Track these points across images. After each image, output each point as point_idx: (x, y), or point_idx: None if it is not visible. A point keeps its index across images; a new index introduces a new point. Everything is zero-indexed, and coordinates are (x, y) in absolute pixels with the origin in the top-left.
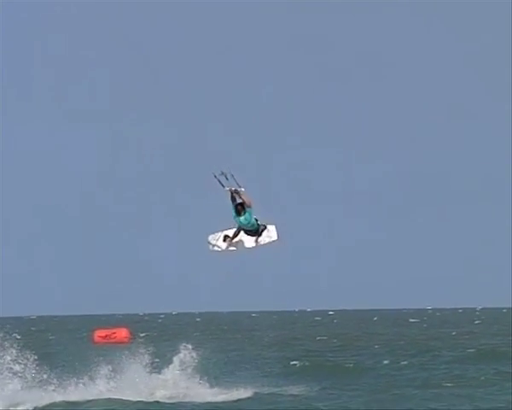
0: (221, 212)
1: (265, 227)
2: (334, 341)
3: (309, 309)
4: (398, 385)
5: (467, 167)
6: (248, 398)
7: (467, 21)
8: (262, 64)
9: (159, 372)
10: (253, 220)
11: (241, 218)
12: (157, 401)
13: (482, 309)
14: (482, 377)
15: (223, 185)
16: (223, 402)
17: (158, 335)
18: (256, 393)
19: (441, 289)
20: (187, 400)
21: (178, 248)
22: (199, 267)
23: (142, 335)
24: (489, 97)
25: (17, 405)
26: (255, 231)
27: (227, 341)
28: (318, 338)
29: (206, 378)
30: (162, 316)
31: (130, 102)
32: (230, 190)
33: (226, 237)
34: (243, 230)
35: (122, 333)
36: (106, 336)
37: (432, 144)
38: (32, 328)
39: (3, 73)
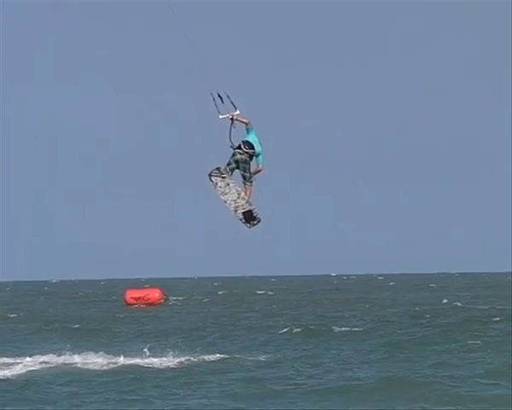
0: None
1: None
2: (337, 306)
3: (333, 273)
4: (381, 350)
5: (475, 141)
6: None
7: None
8: None
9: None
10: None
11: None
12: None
13: None
14: (472, 343)
15: (219, 112)
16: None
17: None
18: (232, 358)
19: (471, 254)
20: (168, 364)
21: (204, 216)
22: (222, 234)
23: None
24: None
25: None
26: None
27: (223, 306)
28: (324, 303)
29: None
30: (186, 280)
31: None
32: (230, 117)
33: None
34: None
35: (155, 294)
36: (139, 298)
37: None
38: (47, 289)
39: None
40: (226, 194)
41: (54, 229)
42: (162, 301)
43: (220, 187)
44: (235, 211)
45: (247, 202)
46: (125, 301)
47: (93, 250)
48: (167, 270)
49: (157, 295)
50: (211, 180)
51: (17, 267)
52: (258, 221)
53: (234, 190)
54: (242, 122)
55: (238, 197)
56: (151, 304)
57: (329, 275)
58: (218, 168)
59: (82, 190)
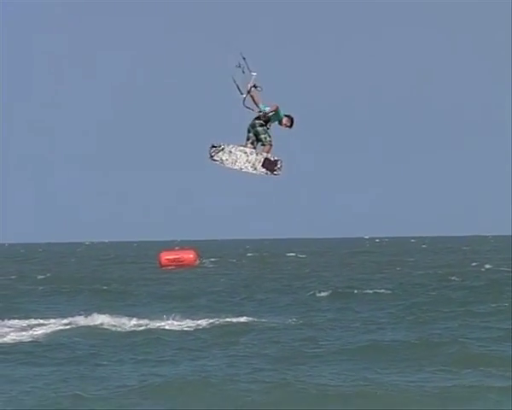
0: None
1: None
2: (367, 269)
3: (366, 236)
4: (400, 315)
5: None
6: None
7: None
8: None
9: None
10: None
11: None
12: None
13: None
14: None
15: (241, 92)
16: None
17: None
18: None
19: (504, 216)
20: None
21: (236, 177)
22: (255, 196)
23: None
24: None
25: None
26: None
27: (251, 268)
28: (354, 265)
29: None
30: (218, 242)
31: None
32: (248, 91)
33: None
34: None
35: (190, 256)
36: (174, 259)
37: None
38: (79, 251)
39: None
40: (236, 161)
41: (89, 192)
42: (197, 262)
43: (227, 160)
44: (255, 169)
45: (258, 153)
46: (160, 262)
47: (127, 213)
48: (200, 233)
49: (192, 256)
50: (215, 160)
51: (51, 229)
52: (281, 163)
53: (239, 153)
54: (254, 105)
55: (248, 155)
56: (186, 266)
57: (363, 238)
58: (212, 145)
59: (117, 156)
